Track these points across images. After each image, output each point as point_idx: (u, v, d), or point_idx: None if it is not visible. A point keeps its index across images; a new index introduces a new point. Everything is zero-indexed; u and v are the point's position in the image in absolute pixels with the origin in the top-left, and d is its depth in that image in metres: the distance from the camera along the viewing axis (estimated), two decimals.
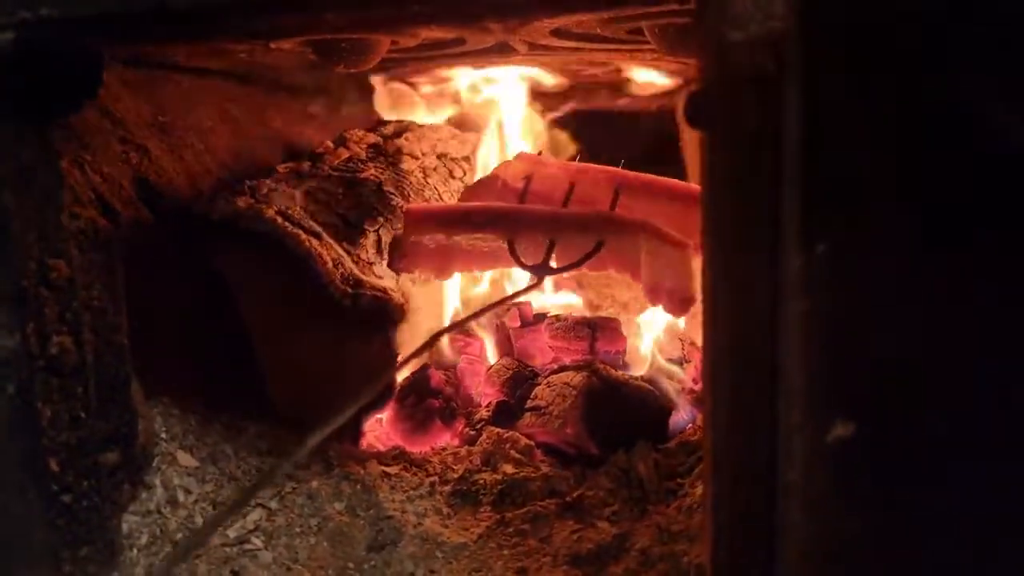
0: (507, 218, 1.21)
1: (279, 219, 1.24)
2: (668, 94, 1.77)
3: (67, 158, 1.06)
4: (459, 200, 1.37)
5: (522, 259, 1.21)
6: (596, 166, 1.30)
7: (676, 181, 1.30)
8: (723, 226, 0.67)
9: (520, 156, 1.36)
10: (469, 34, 1.19)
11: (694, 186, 1.22)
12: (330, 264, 1.25)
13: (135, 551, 0.98)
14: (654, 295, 1.18)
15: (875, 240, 0.60)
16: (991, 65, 0.58)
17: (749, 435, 0.67)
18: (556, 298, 1.68)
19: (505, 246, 1.21)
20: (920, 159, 0.59)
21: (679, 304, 1.16)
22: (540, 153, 1.36)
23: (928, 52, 0.58)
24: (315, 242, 1.26)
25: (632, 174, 1.29)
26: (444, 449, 1.26)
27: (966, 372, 0.60)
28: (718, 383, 0.69)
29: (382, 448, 1.28)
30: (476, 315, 1.27)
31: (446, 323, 1.47)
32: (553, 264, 1.21)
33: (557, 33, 1.15)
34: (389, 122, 1.77)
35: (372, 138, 1.68)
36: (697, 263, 1.13)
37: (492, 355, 1.45)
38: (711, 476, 0.71)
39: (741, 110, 0.63)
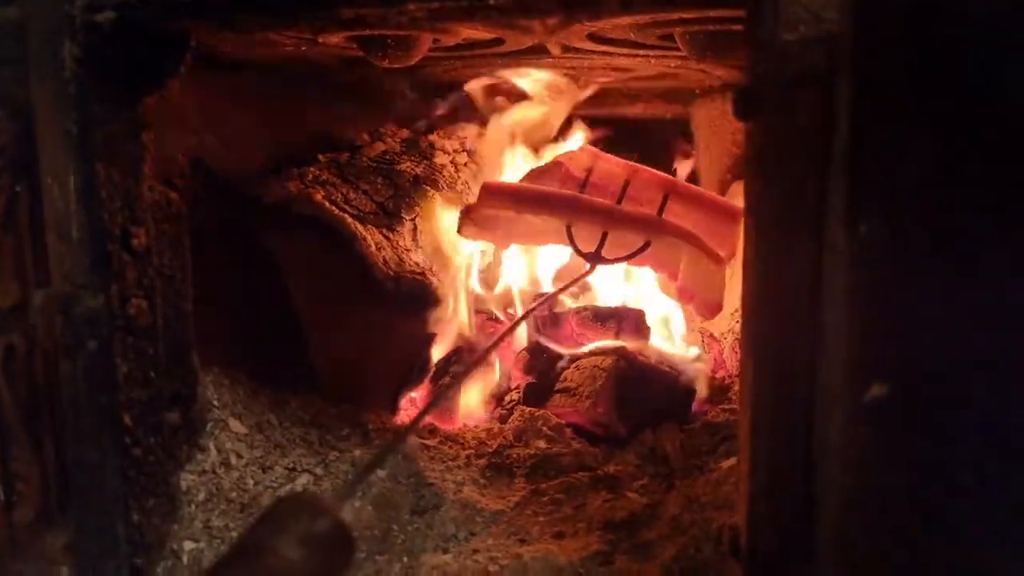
0: (573, 205, 1.28)
1: (327, 203, 1.31)
2: (683, 102, 1.84)
3: None
4: (523, 181, 1.44)
5: (578, 245, 1.28)
6: (650, 169, 1.38)
7: (719, 197, 1.40)
8: (771, 206, 0.73)
9: (583, 148, 1.44)
10: (509, 35, 1.25)
11: (734, 203, 1.31)
12: (374, 247, 1.31)
13: (193, 507, 1.04)
14: (686, 297, 1.28)
15: (912, 223, 0.66)
16: None
17: (788, 397, 0.73)
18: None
19: (563, 229, 1.29)
20: (958, 153, 0.66)
21: (709, 309, 1.27)
22: (600, 147, 1.44)
23: (975, 52, 0.64)
24: (359, 226, 1.32)
25: (681, 183, 1.39)
26: (476, 427, 1.32)
27: (992, 335, 0.67)
28: (760, 350, 0.75)
29: None
30: (545, 300, 1.37)
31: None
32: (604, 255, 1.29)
33: (592, 37, 1.21)
34: (418, 119, 1.83)
35: (405, 133, 1.74)
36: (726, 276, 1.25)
37: (521, 340, 1.51)
38: (748, 438, 0.78)
39: (794, 105, 0.70)
